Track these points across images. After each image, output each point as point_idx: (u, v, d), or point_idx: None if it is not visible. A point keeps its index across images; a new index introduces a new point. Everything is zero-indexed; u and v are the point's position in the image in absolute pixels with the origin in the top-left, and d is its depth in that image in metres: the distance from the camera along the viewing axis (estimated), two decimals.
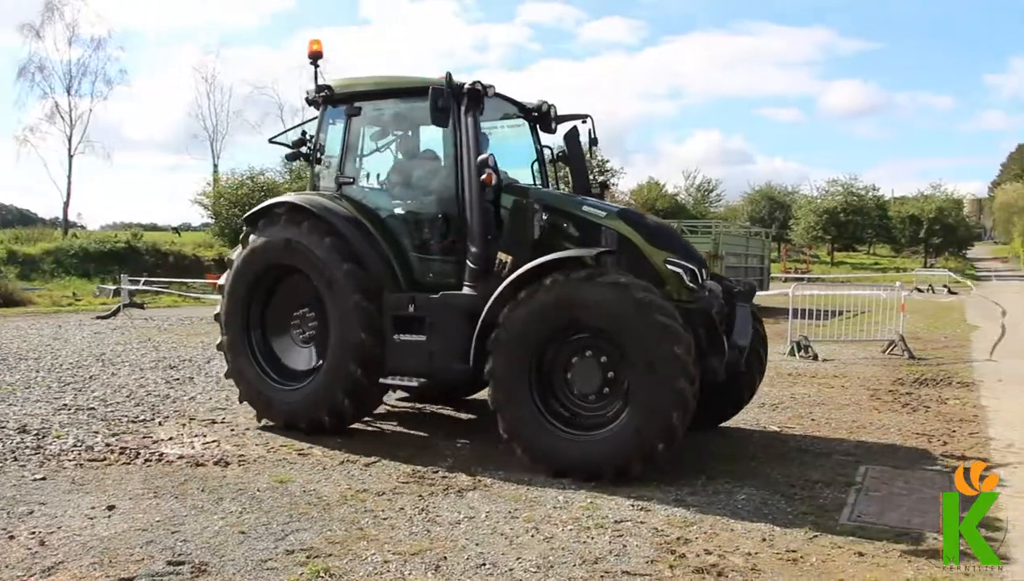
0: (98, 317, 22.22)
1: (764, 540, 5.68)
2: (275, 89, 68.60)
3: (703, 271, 7.83)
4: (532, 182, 9.30)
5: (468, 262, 7.91)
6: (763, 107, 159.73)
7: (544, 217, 7.74)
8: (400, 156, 9.21)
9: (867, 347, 16.19)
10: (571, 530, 5.78)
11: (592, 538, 5.63)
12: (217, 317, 9.20)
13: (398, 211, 8.75)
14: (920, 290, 38.00)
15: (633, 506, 6.31)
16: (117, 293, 25.27)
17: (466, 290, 7.90)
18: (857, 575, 5.12)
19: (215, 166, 56.98)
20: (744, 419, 9.35)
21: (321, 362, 8.54)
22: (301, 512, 6.08)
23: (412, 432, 8.99)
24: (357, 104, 8.80)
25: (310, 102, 9.19)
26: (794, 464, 7.62)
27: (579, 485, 6.80)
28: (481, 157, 7.91)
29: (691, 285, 7.49)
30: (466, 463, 7.52)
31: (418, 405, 10.33)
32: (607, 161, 77.08)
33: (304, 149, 9.26)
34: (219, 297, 9.29)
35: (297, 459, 7.61)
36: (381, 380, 8.28)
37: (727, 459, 7.73)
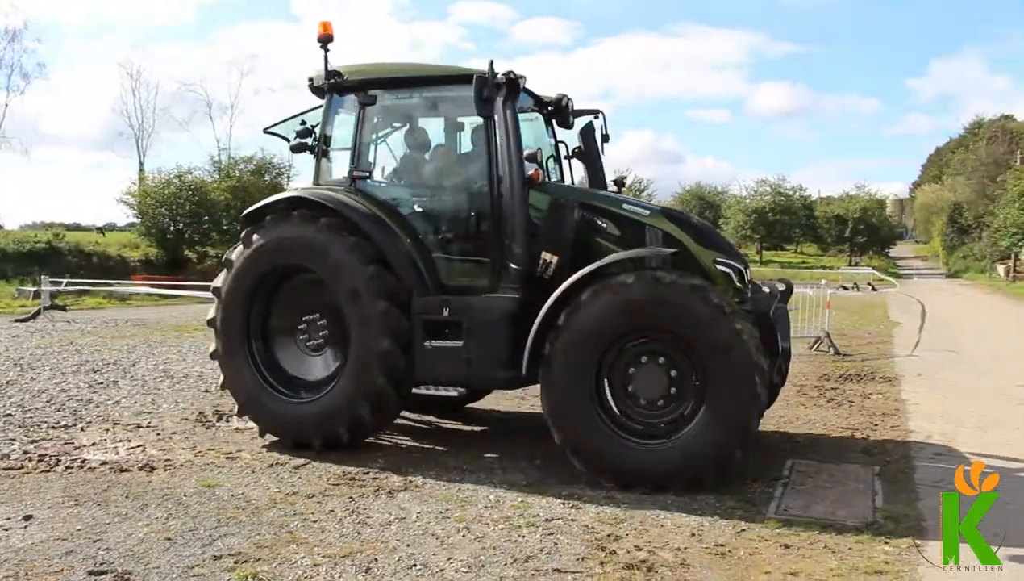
0: (17, 320, 21.54)
1: (693, 535, 5.76)
2: (204, 86, 67.37)
3: (747, 271, 7.77)
4: (547, 178, 8.68)
5: (509, 263, 7.44)
6: (694, 108, 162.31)
7: (582, 215, 7.55)
8: (422, 149, 8.68)
9: (794, 344, 16.44)
10: (502, 529, 5.79)
11: (523, 537, 5.65)
12: (211, 322, 8.38)
13: (422, 208, 8.21)
14: (846, 288, 38.97)
15: (564, 504, 6.35)
16: (37, 295, 24.53)
17: (508, 292, 7.48)
18: (783, 566, 5.22)
19: (141, 164, 55.75)
20: None
21: (334, 372, 7.99)
22: (229, 517, 5.98)
23: None
24: (372, 92, 8.10)
25: (315, 89, 8.54)
26: None
27: (510, 484, 6.84)
28: (528, 151, 7.73)
29: (739, 285, 7.43)
30: (398, 464, 7.47)
31: (412, 416, 9.68)
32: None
33: (310, 140, 8.53)
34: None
35: (225, 463, 7.48)
36: (415, 390, 7.90)
37: None
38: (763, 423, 9.24)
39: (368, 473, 7.15)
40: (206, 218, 44.02)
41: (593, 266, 7.00)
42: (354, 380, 7.65)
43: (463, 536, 5.66)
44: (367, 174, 8.16)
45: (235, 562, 5.16)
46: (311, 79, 8.46)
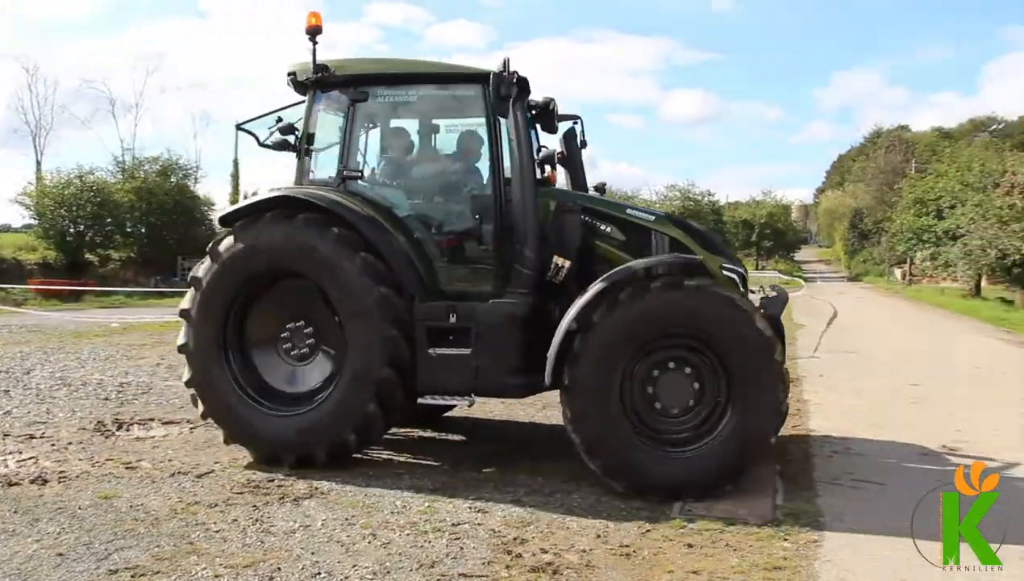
0: None
1: (599, 536, 5.81)
2: (106, 83, 65.48)
3: (746, 277, 7.83)
4: None
5: (519, 267, 7.24)
6: (607, 113, 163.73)
7: (585, 220, 7.48)
8: (418, 149, 8.36)
9: None
10: (408, 535, 5.75)
11: (429, 542, 5.62)
12: (183, 349, 7.76)
13: (420, 210, 7.89)
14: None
15: (471, 508, 6.34)
16: None
17: (519, 297, 7.28)
18: (686, 565, 5.29)
19: (38, 163, 53.76)
20: None
21: (322, 384, 7.57)
22: (127, 529, 5.80)
23: None
24: (363, 89, 7.74)
25: (297, 84, 8.02)
26: None
27: (417, 489, 6.80)
28: (545, 152, 7.58)
29: (742, 290, 7.38)
30: (304, 470, 7.34)
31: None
32: None
33: (292, 138, 8.00)
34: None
35: (124, 473, 7.25)
36: (421, 400, 7.55)
37: (564, 458, 7.83)
38: None
39: (273, 480, 7.02)
40: (109, 220, 42.80)
41: (622, 269, 6.91)
42: (347, 398, 7.28)
43: (368, 543, 5.60)
44: (359, 174, 7.80)
45: (132, 576, 5.00)
46: (293, 73, 7.94)
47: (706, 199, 77.97)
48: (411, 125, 8.39)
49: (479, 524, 6.00)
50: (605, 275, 6.87)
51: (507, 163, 7.48)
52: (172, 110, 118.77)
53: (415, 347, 7.26)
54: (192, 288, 7.68)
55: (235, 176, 58.00)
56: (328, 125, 8.01)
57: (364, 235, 7.31)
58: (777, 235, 75.69)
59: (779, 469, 7.57)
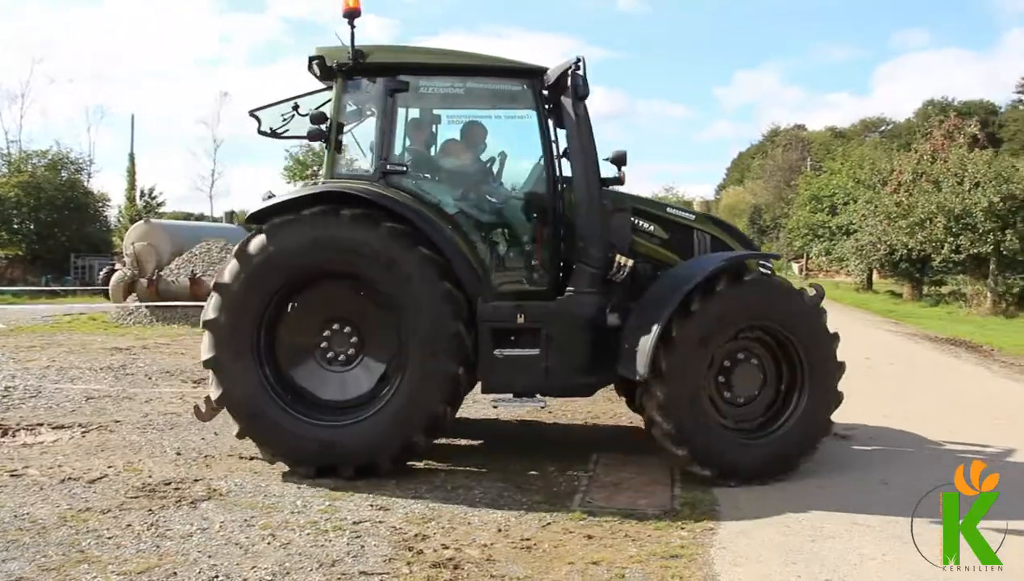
0: None
1: (500, 530, 5.86)
2: None
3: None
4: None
5: (584, 266, 7.25)
6: None
7: (632, 219, 7.61)
8: (468, 144, 8.01)
9: None
10: (308, 534, 5.69)
11: (330, 541, 5.58)
12: (211, 363, 7.05)
13: (467, 206, 7.65)
14: None
15: (372, 506, 6.32)
16: None
17: (586, 296, 7.25)
18: (586, 557, 5.38)
19: None
20: (484, 412, 9.61)
21: (373, 391, 7.18)
22: (11, 540, 5.55)
23: (153, 441, 8.36)
24: (403, 79, 7.41)
25: (325, 69, 7.50)
26: (530, 455, 7.87)
27: (318, 488, 6.73)
28: (617, 152, 7.55)
29: None
30: (202, 472, 7.21)
31: None
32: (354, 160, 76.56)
33: (324, 127, 7.44)
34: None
35: (8, 481, 6.96)
36: (494, 400, 7.62)
37: (467, 453, 7.91)
38: (571, 418, 9.57)
39: (170, 484, 6.85)
40: None
41: (719, 267, 7.04)
42: (412, 400, 6.95)
43: (268, 544, 5.52)
44: (403, 168, 7.50)
45: None
46: (319, 58, 7.42)
47: None
48: (455, 118, 8.13)
49: (380, 522, 5.98)
50: (713, 265, 7.10)
51: (563, 160, 7.53)
52: (63, 102, 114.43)
53: (478, 348, 7.12)
54: (216, 295, 7.03)
55: (131, 171, 56.42)
56: (355, 115, 7.82)
57: (422, 232, 7.02)
58: None
59: None
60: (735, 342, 7.14)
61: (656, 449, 7.87)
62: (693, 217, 7.95)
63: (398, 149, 7.72)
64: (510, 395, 7.39)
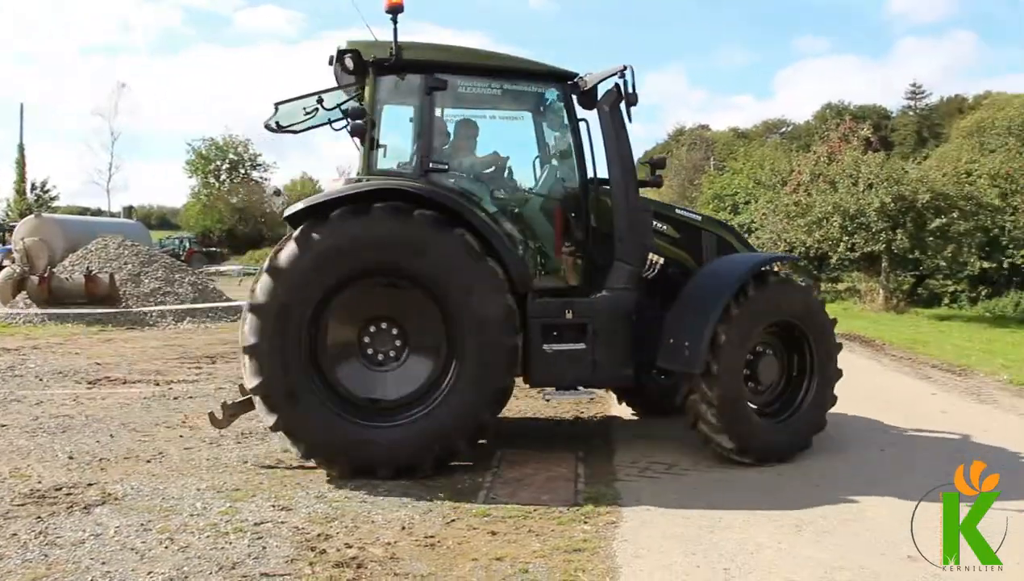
0: None
1: (404, 528, 5.83)
2: None
3: None
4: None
5: (622, 263, 7.61)
6: None
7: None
8: (508, 142, 8.36)
9: None
10: (208, 537, 5.57)
11: (230, 543, 5.47)
12: (253, 348, 6.80)
13: (507, 205, 7.85)
14: None
15: (274, 506, 6.22)
16: None
17: (626, 292, 7.61)
18: (490, 552, 5.40)
19: None
20: None
21: (415, 390, 7.13)
22: None
23: (43, 445, 8.02)
24: (442, 76, 7.46)
25: (359, 63, 7.44)
26: None
27: (218, 489, 6.60)
28: (658, 158, 8.26)
29: None
30: (96, 476, 6.98)
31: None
32: (259, 155, 75.26)
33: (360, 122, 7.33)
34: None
35: None
36: (547, 395, 7.80)
37: None
38: None
39: (61, 489, 6.60)
40: None
41: (758, 263, 8.01)
42: (462, 405, 7.00)
43: (166, 548, 5.38)
44: (445, 165, 7.56)
45: None
46: (354, 52, 7.38)
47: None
48: (491, 117, 8.31)
49: (282, 522, 5.89)
50: (749, 264, 7.90)
51: (597, 161, 7.83)
52: None
53: (529, 344, 7.27)
54: (269, 278, 6.85)
55: (20, 163, 54.36)
56: (395, 112, 7.85)
57: (480, 233, 7.08)
58: None
59: (581, 455, 7.83)
60: (764, 335, 7.86)
61: (559, 444, 7.98)
62: (700, 218, 8.66)
63: (442, 146, 7.83)
64: (553, 388, 7.69)
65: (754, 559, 5.41)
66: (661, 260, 7.84)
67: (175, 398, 10.54)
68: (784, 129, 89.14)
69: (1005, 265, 30.25)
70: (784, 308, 7.81)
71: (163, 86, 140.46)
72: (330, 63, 7.68)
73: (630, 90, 7.49)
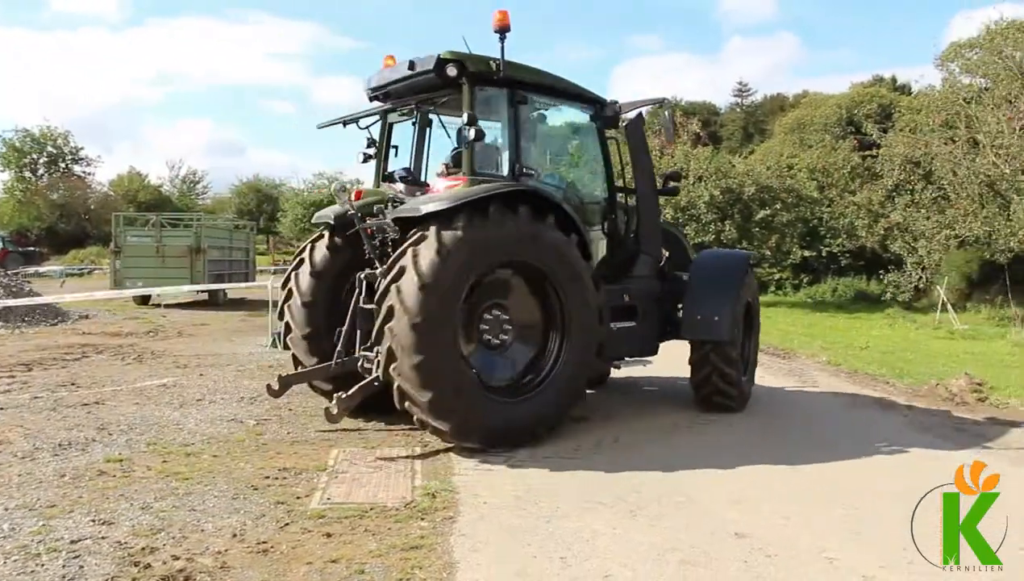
0: None
1: (235, 536, 5.61)
2: None
3: None
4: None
5: (648, 256, 9.79)
6: (257, 98, 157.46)
7: None
8: (562, 154, 10.44)
9: None
10: (17, 560, 5.13)
11: (42, 565, 5.07)
12: (419, 325, 7.29)
13: (584, 208, 9.30)
14: None
15: (94, 521, 5.81)
16: None
17: (655, 279, 9.93)
18: (325, 555, 5.27)
19: None
20: (221, 414, 9.22)
21: (522, 371, 8.36)
22: None
23: None
24: (525, 93, 8.52)
25: (465, 73, 8.04)
26: (268, 455, 7.64)
27: (30, 507, 6.09)
28: (673, 171, 10.91)
29: None
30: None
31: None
32: (81, 148, 71.42)
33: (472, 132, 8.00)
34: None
35: None
36: (617, 364, 9.75)
37: (190, 457, 7.47)
38: (309, 414, 9.35)
39: None
40: None
41: (747, 254, 12.04)
42: (569, 383, 8.30)
43: None
44: (534, 171, 8.52)
45: None
46: (457, 62, 7.99)
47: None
48: (554, 132, 10.02)
49: (103, 538, 5.52)
50: (708, 258, 10.97)
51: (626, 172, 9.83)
52: None
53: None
54: (437, 257, 7.39)
55: None
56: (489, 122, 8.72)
57: (578, 230, 8.46)
58: None
59: (419, 451, 7.78)
60: None
61: (396, 441, 7.91)
62: (669, 220, 10.77)
63: (529, 153, 8.84)
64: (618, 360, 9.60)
65: (590, 546, 5.50)
66: (667, 253, 10.13)
67: None
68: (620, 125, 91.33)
69: (824, 254, 32.11)
70: (752, 292, 10.49)
71: None
72: (435, 68, 8.04)
73: (670, 126, 11.48)
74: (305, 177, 76.98)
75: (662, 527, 5.88)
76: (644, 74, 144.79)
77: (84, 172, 73.96)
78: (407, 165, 9.56)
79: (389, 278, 7.49)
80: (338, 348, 8.66)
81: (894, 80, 61.86)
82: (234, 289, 25.95)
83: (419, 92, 8.87)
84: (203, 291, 24.49)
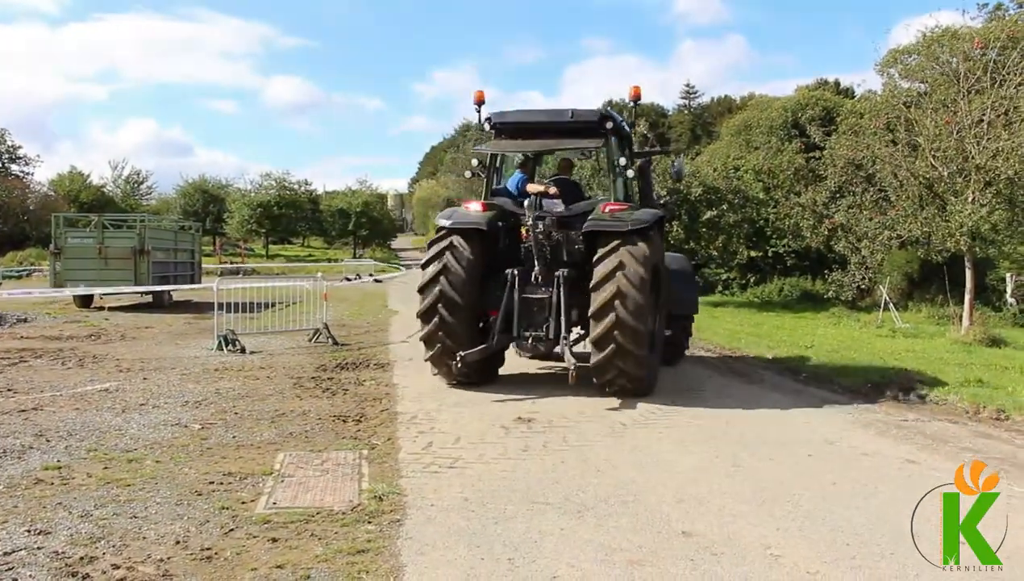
0: None
1: (178, 543, 5.51)
2: None
3: None
4: None
5: None
6: (204, 97, 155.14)
7: None
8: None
9: (295, 337, 16.63)
10: None
11: None
12: (637, 310, 10.22)
13: None
14: (348, 279, 40.45)
15: (30, 531, 5.64)
16: None
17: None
18: (270, 561, 5.21)
19: None
20: (165, 418, 9.06)
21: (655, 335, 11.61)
22: None
23: None
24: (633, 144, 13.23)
25: (614, 123, 11.59)
26: (213, 459, 7.52)
27: None
28: (676, 170, 14.49)
29: None
30: None
31: None
32: (19, 146, 69.83)
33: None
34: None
35: None
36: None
37: (132, 463, 7.32)
38: (255, 418, 9.24)
39: None
40: None
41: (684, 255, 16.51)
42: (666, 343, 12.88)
43: None
44: (665, 199, 12.22)
45: None
46: (609, 117, 11.60)
47: (303, 188, 77.64)
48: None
49: (39, 548, 5.36)
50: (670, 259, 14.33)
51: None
52: None
53: None
54: (639, 265, 10.31)
55: None
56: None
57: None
58: (373, 223, 77.05)
59: (365, 454, 7.71)
60: None
61: (343, 444, 7.86)
62: None
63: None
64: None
65: (538, 547, 5.50)
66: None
67: None
68: None
69: (770, 254, 32.49)
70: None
71: None
72: (572, 116, 11.53)
73: (680, 170, 14.53)
74: (252, 178, 76.08)
75: (609, 527, 5.90)
76: (596, 75, 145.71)
77: (23, 172, 72.19)
78: (502, 184, 12.55)
79: (609, 270, 10.25)
80: (495, 330, 10.92)
81: (837, 84, 63.00)
82: (180, 291, 25.56)
83: (557, 134, 11.68)
84: (147, 293, 24.07)
